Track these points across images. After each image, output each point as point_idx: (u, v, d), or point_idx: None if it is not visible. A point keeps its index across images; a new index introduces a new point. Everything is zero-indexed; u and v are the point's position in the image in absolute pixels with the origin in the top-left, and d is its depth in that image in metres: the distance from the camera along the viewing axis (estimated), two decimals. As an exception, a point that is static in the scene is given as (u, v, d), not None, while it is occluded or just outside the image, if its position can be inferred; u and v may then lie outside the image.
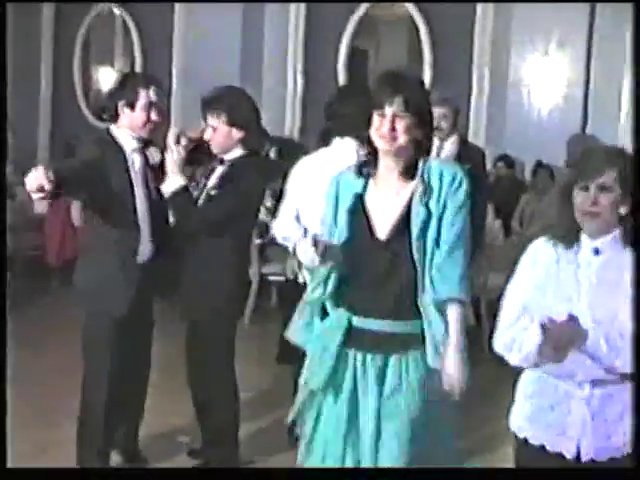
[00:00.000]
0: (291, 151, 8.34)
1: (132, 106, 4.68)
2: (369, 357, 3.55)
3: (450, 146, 7.28)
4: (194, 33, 10.93)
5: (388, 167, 3.57)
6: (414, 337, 3.53)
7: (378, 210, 3.58)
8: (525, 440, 3.28)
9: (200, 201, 4.86)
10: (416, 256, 3.48)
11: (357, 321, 3.58)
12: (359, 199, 3.60)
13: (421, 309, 3.51)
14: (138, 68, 11.65)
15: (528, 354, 3.09)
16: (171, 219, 5.05)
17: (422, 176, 3.51)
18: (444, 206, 3.49)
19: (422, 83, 3.75)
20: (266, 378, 6.77)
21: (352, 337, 3.58)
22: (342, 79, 10.57)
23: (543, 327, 2.91)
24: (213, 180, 4.94)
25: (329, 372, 3.58)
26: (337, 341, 3.58)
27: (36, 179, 3.94)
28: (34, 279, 9.63)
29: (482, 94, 9.74)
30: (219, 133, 4.85)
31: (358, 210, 3.60)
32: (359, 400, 3.57)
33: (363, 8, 10.43)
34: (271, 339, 7.92)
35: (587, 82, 9.26)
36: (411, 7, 10.09)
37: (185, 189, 4.76)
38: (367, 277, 3.57)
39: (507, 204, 9.21)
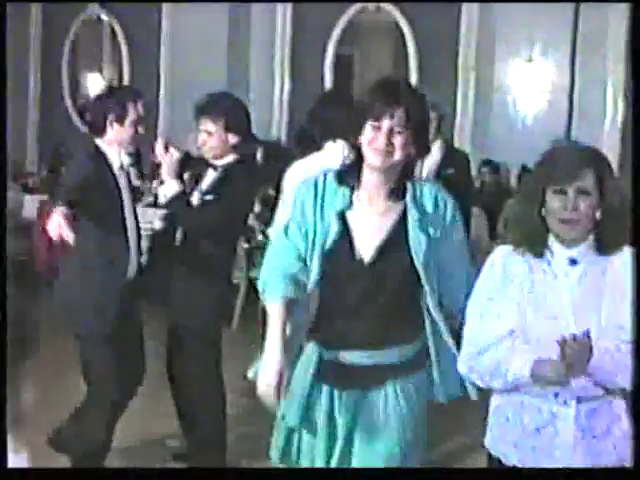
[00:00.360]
0: (277, 154, 8.38)
1: (121, 121, 4.67)
2: (343, 394, 3.30)
3: (435, 151, 7.36)
4: (181, 39, 10.97)
5: (374, 183, 3.23)
6: (398, 366, 3.28)
7: (361, 229, 3.25)
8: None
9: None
10: (424, 279, 3.21)
11: (329, 354, 3.29)
12: (341, 214, 3.24)
13: (427, 331, 3.28)
14: (126, 75, 11.70)
15: (518, 377, 2.87)
16: (157, 225, 5.08)
17: (415, 199, 3.23)
18: (444, 233, 3.23)
19: (423, 95, 3.33)
20: (254, 383, 6.76)
21: (325, 371, 3.30)
22: (328, 83, 10.65)
23: (561, 344, 2.68)
24: (205, 185, 4.95)
25: (303, 409, 3.32)
26: (309, 376, 3.29)
27: (58, 228, 4.10)
28: (21, 285, 9.60)
29: (467, 99, 9.82)
30: (215, 138, 4.86)
31: (340, 226, 3.23)
32: (337, 438, 3.32)
33: (349, 14, 10.50)
34: (259, 344, 7.93)
35: (571, 87, 9.35)
36: (396, 13, 10.16)
37: (182, 193, 4.79)
38: (343, 303, 3.26)
39: (492, 209, 9.25)
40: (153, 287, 5.07)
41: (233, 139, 4.87)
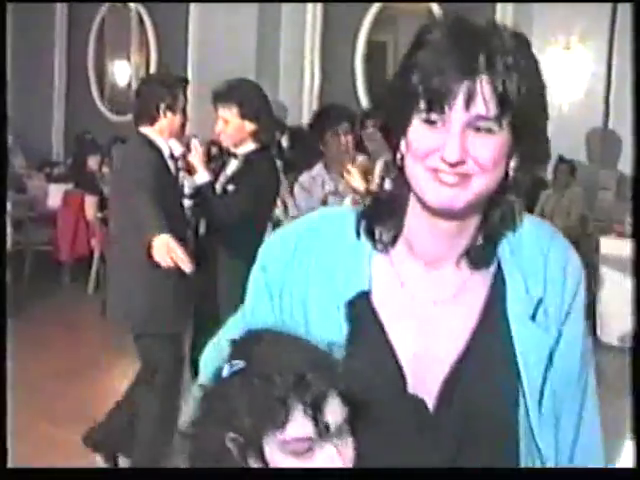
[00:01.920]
0: (303, 140, 8.21)
1: (173, 109, 4.63)
2: None
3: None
4: (210, 28, 10.83)
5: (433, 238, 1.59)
6: None
7: (407, 330, 1.59)
8: None
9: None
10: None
11: None
12: (366, 303, 1.60)
13: None
14: (153, 63, 11.60)
15: None
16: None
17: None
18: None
19: None
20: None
21: None
22: (359, 72, 10.50)
23: None
24: (227, 174, 4.85)
25: None
26: None
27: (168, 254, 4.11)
28: (44, 275, 9.52)
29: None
30: (231, 126, 4.74)
31: (370, 330, 1.58)
32: None
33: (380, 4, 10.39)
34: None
35: (609, 76, 9.15)
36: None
37: (211, 183, 4.72)
38: None
39: (526, 201, 9.08)
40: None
41: (250, 127, 4.74)
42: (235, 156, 4.81)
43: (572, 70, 9.26)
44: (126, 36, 12.08)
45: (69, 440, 4.99)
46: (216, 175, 4.86)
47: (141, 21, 11.84)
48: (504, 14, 9.54)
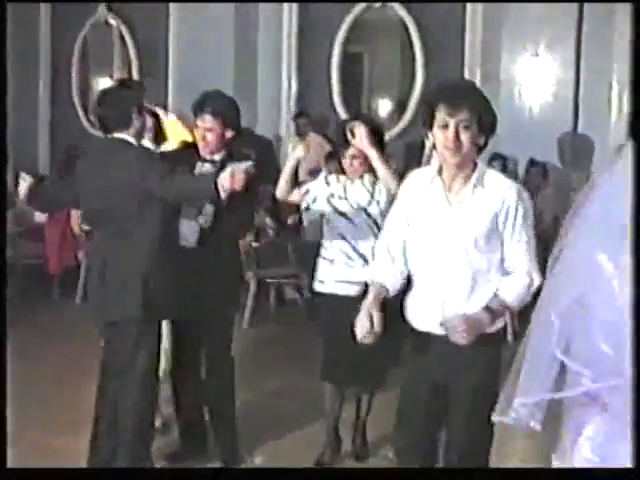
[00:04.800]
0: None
1: (140, 111, 4.78)
2: None
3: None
4: (189, 41, 11.02)
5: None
6: None
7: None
8: None
9: None
10: None
11: None
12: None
13: None
14: (135, 77, 11.78)
15: None
16: None
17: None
18: None
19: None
20: (268, 380, 6.83)
21: None
22: (336, 82, 10.74)
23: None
24: None
25: None
26: None
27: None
28: (34, 289, 9.63)
29: (474, 95, 9.85)
30: (214, 133, 4.99)
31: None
32: None
33: (355, 12, 10.57)
34: (269, 341, 8.01)
35: (577, 82, 9.37)
36: (402, 11, 10.23)
37: None
38: None
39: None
40: None
41: (229, 134, 5.03)
42: (212, 162, 5.03)
43: (541, 76, 9.49)
44: (108, 53, 12.29)
45: (63, 448, 5.19)
46: None
47: (122, 38, 12.06)
48: (473, 24, 9.79)
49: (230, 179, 4.20)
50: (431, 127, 3.53)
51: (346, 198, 5.12)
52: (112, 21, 12.12)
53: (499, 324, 3.64)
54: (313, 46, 10.87)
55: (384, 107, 10.87)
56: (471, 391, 3.60)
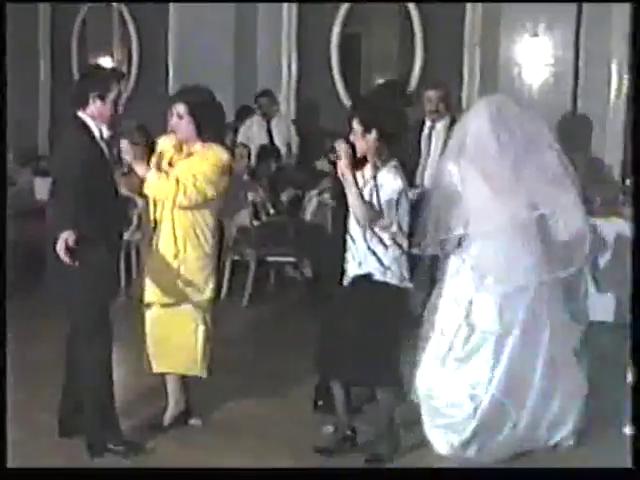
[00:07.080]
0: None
1: (103, 98, 5.04)
2: None
3: (442, 127, 7.49)
4: (189, 22, 11.01)
5: None
6: None
7: None
8: None
9: None
10: None
11: None
12: None
13: None
14: (135, 58, 11.84)
15: None
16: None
17: None
18: None
19: None
20: (264, 360, 6.83)
21: None
22: (335, 63, 10.76)
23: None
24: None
25: None
26: None
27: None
28: (34, 268, 9.58)
29: (473, 75, 9.89)
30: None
31: None
32: None
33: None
34: (268, 321, 8.01)
35: (576, 62, 9.40)
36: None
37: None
38: None
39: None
40: None
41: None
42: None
43: (540, 56, 9.50)
44: (108, 33, 12.30)
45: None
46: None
47: (122, 18, 12.06)
48: (474, 7, 9.80)
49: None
50: None
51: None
52: (112, 2, 12.14)
53: None
54: (313, 27, 10.90)
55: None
56: None
